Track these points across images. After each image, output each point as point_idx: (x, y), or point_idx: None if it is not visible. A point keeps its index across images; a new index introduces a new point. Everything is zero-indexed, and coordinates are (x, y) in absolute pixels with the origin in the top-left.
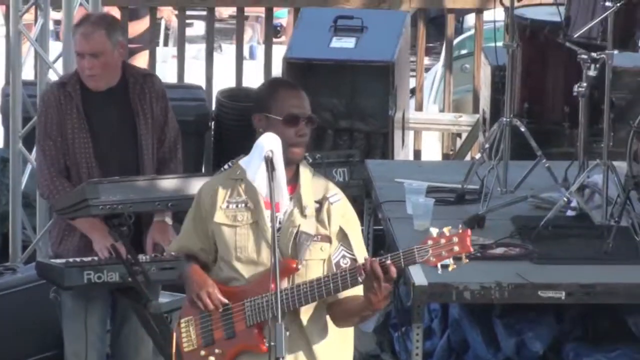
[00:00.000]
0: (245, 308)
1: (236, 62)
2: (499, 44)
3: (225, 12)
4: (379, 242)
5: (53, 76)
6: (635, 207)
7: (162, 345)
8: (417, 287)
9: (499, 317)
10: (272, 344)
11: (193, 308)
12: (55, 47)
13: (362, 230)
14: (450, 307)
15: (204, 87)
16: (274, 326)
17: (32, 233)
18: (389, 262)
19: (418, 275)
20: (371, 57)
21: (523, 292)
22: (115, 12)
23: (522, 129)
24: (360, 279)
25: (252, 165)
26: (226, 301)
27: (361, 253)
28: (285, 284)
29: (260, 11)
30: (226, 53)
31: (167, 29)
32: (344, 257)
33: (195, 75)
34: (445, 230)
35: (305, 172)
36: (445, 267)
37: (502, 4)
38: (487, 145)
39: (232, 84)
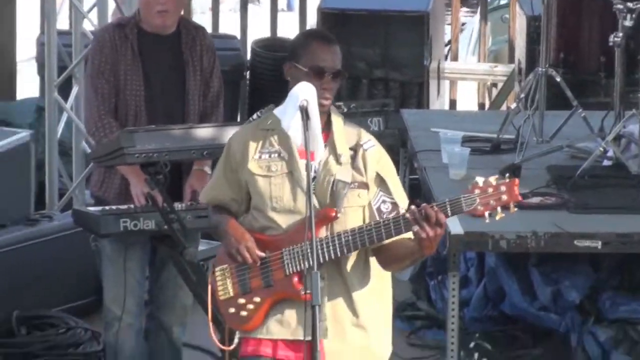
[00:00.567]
0: (283, 257)
1: (271, 13)
2: None
3: None
4: (414, 191)
5: (87, 26)
6: None
7: (198, 293)
8: (453, 236)
9: (536, 266)
10: (308, 292)
11: (227, 256)
12: None
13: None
14: (487, 255)
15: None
16: (310, 274)
17: (68, 181)
18: (436, 208)
19: (454, 224)
20: (405, 7)
21: (559, 241)
22: None
23: (558, 79)
24: (414, 229)
25: (287, 114)
26: (263, 255)
27: (400, 197)
28: (323, 232)
29: None
30: (264, 4)
31: None
32: (384, 202)
33: (233, 27)
34: (492, 179)
35: (337, 121)
36: (492, 215)
37: None
38: (522, 95)
39: (268, 34)
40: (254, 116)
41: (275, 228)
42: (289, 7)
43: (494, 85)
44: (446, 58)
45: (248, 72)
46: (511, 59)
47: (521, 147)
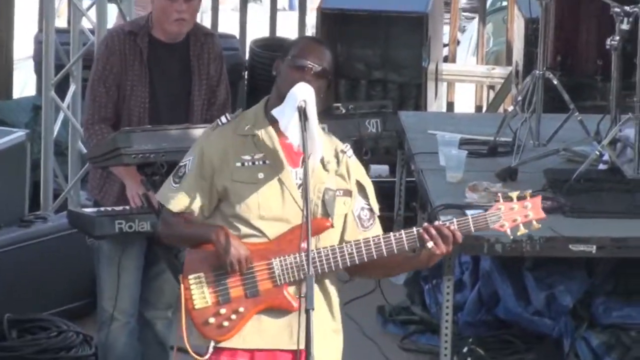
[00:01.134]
0: (273, 267)
1: (270, 12)
2: None
3: None
4: (411, 194)
5: (86, 24)
6: None
7: None
8: None
9: (530, 270)
10: (303, 296)
11: (201, 264)
12: None
13: (395, 181)
14: (482, 259)
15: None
16: (305, 280)
17: (63, 181)
18: (454, 227)
19: None
20: (405, 8)
21: (554, 245)
22: None
23: (555, 82)
24: (429, 245)
25: (285, 115)
26: (251, 265)
27: (375, 203)
28: (312, 243)
29: None
30: (265, 3)
31: None
32: (362, 209)
33: (235, 26)
34: (513, 195)
35: (317, 127)
36: (514, 231)
37: None
38: (519, 98)
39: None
40: (223, 120)
41: (260, 236)
42: (291, 6)
43: (492, 87)
44: (445, 59)
45: (246, 72)
46: (509, 62)
47: (518, 150)
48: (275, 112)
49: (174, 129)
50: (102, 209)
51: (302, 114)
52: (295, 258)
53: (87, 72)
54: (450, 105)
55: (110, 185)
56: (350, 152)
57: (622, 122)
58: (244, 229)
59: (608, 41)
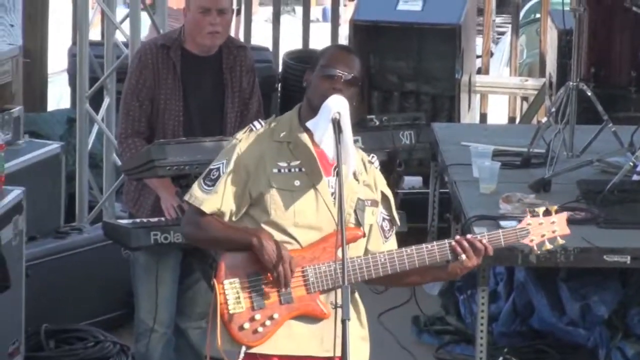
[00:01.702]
0: (308, 275)
1: (303, 25)
2: (566, 8)
3: None
4: (444, 205)
5: (120, 37)
6: None
7: None
8: None
9: (565, 281)
10: (339, 306)
11: (236, 269)
12: (121, 9)
13: (429, 192)
14: (516, 270)
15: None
16: (336, 289)
17: (98, 193)
18: (485, 240)
19: None
20: (438, 20)
21: (588, 256)
22: None
23: (589, 93)
24: (462, 258)
25: (319, 127)
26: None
27: (396, 214)
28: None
29: None
30: (298, 15)
31: None
32: (384, 219)
33: (268, 38)
34: (539, 210)
35: None
36: (540, 246)
37: None
38: (553, 109)
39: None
40: (256, 125)
41: (293, 244)
42: (324, 18)
43: (525, 99)
44: (478, 71)
45: (279, 85)
46: (542, 73)
47: (551, 161)
48: (309, 124)
49: (208, 141)
50: (138, 220)
51: (337, 126)
52: (329, 267)
53: (120, 84)
54: (483, 117)
55: (145, 198)
56: (376, 162)
57: None
58: (277, 236)
59: None
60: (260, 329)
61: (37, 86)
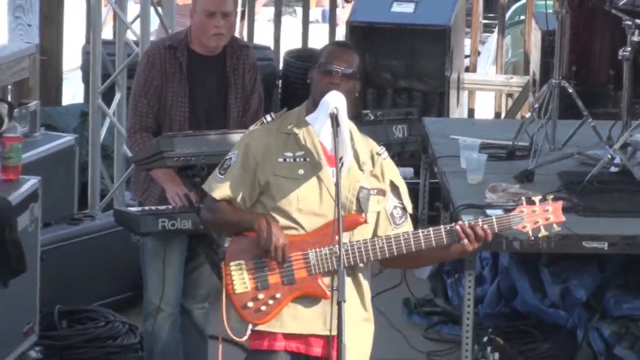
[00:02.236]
0: (309, 258)
1: (302, 24)
2: (549, 10)
3: None
4: (434, 194)
5: (130, 36)
6: None
7: None
8: None
9: (546, 265)
10: (335, 289)
11: (242, 252)
12: (133, 8)
13: (420, 182)
14: (500, 255)
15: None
16: (337, 273)
17: (109, 182)
18: (486, 226)
19: None
20: (429, 21)
21: (569, 242)
22: None
23: (570, 90)
24: (464, 242)
25: (318, 121)
26: (289, 256)
27: (408, 202)
28: (344, 237)
29: None
30: (299, 16)
31: None
32: (395, 207)
33: (270, 37)
34: (536, 198)
35: (354, 129)
36: (535, 232)
37: None
38: (536, 105)
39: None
40: (268, 118)
41: (297, 228)
42: (323, 19)
43: (510, 95)
44: (466, 69)
45: (280, 81)
46: (526, 71)
47: (535, 153)
48: (309, 118)
49: (213, 134)
50: (147, 207)
51: (334, 120)
52: (330, 250)
53: (131, 81)
54: (471, 112)
55: (153, 188)
56: (385, 154)
57: (633, 127)
58: (283, 221)
59: (620, 52)
60: (263, 308)
61: (53, 82)
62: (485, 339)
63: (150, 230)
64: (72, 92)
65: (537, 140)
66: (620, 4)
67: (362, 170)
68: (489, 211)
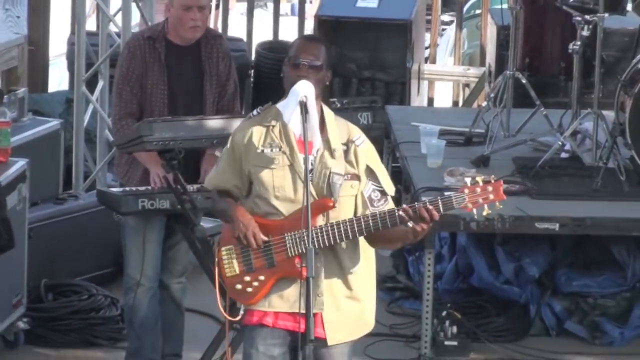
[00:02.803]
0: (286, 241)
1: (273, 18)
2: (504, 6)
3: None
4: (396, 178)
5: (113, 28)
6: (621, 150)
7: (206, 264)
8: None
9: (501, 244)
10: (304, 265)
11: (232, 237)
12: (115, 2)
13: None
14: (458, 235)
15: (245, 39)
16: (306, 251)
17: (92, 165)
18: (430, 207)
19: None
20: (392, 15)
21: (522, 223)
22: None
23: (523, 81)
24: (410, 224)
25: (288, 108)
26: (266, 239)
27: (388, 185)
28: (320, 220)
29: None
30: (270, 9)
31: None
32: (374, 190)
33: (243, 30)
34: (479, 179)
35: (329, 117)
36: (480, 211)
37: None
38: (492, 95)
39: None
40: (254, 112)
41: (277, 214)
42: (293, 12)
43: (467, 85)
44: (426, 61)
45: (252, 72)
46: (482, 63)
47: (490, 140)
48: (279, 105)
49: (191, 119)
50: (127, 188)
51: (303, 107)
52: (303, 233)
53: (113, 70)
54: (430, 101)
55: (134, 170)
56: (359, 141)
57: (582, 116)
58: (264, 207)
59: (570, 46)
60: (249, 289)
61: (40, 70)
62: (444, 313)
63: (131, 209)
64: (58, 78)
65: (493, 127)
66: (571, 1)
67: (333, 157)
68: (447, 193)
